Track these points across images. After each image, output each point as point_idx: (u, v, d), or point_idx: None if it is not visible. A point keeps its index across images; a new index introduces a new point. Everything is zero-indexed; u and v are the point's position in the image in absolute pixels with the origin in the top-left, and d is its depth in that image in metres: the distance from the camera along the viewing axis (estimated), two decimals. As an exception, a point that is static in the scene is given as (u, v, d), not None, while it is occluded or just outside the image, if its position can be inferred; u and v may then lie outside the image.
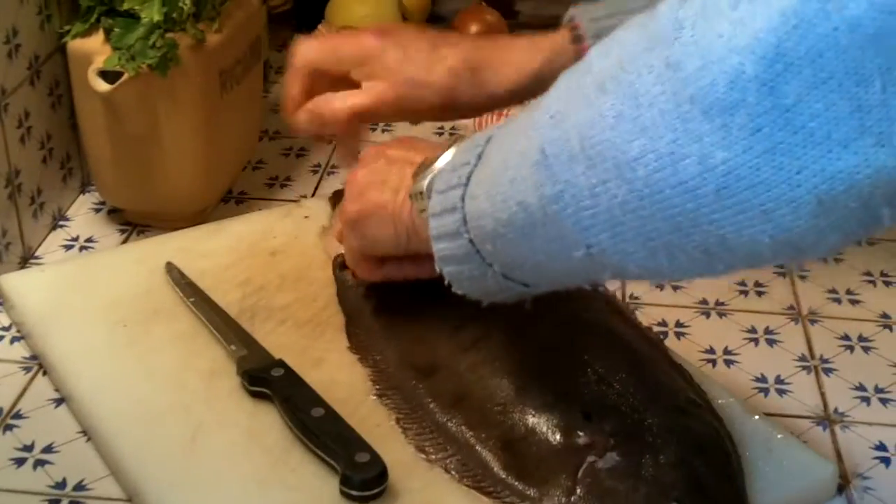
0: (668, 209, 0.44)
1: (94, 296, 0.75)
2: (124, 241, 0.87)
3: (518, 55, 0.74)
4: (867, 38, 0.38)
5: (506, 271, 0.55)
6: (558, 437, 0.60)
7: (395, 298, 0.71)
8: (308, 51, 0.75)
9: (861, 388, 0.73)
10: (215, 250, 0.80)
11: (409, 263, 0.67)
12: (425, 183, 0.58)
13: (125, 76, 0.79)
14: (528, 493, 0.59)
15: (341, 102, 0.73)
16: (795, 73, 0.39)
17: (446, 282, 0.58)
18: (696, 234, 0.44)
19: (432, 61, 0.73)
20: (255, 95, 0.97)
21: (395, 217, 0.63)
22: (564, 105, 0.48)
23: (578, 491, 0.58)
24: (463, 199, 0.55)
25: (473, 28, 1.19)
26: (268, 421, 0.65)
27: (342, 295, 0.75)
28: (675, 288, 0.82)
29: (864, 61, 0.38)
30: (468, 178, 0.55)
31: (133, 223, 0.89)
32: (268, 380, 0.66)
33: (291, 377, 0.67)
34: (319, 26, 1.14)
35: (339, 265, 0.75)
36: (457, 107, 0.74)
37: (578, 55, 0.70)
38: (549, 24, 1.22)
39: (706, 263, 0.46)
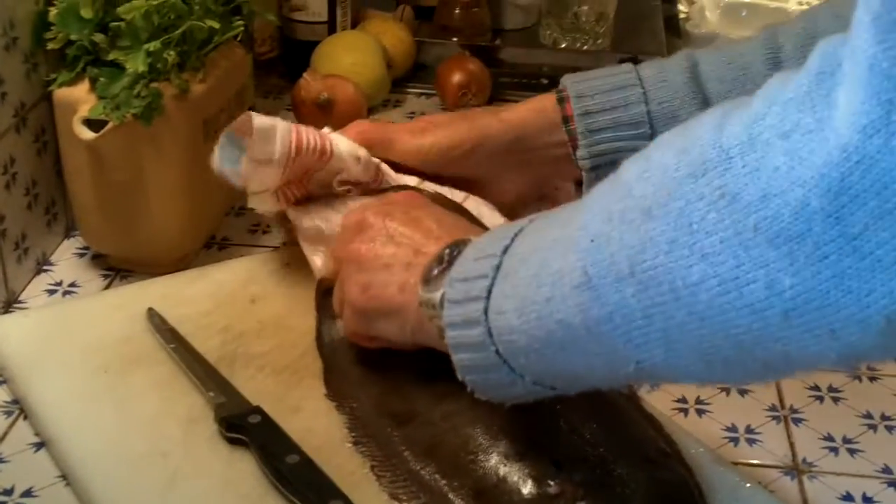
0: (732, 329, 0.45)
1: (76, 341, 0.77)
2: (107, 286, 0.89)
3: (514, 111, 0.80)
4: None
5: (537, 380, 0.56)
6: (529, 486, 0.62)
7: (373, 348, 0.72)
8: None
9: (829, 438, 0.74)
10: (196, 297, 0.82)
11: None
12: (438, 295, 0.59)
13: (110, 125, 0.81)
14: (499, 541, 0.60)
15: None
16: (861, 204, 0.40)
17: (469, 388, 0.59)
18: (760, 351, 0.45)
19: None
20: (239, 143, 0.98)
21: (402, 314, 0.64)
22: (606, 228, 0.49)
23: (548, 539, 0.59)
24: (486, 313, 0.55)
25: (456, 77, 1.21)
26: (244, 468, 0.66)
27: (321, 343, 0.76)
28: (649, 337, 0.83)
29: None
30: (488, 292, 0.55)
31: (116, 268, 0.91)
32: (245, 427, 0.68)
33: (268, 424, 0.68)
34: (305, 74, 1.16)
35: (321, 304, 0.76)
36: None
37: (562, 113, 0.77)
38: (532, 72, 1.26)
39: (763, 374, 0.48)
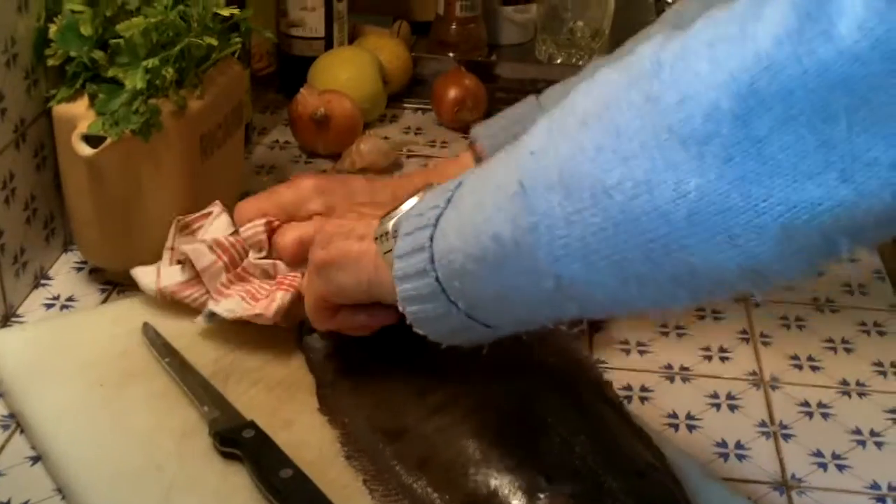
0: (642, 235, 0.47)
1: (72, 355, 0.78)
2: (105, 300, 0.90)
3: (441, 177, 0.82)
4: (834, 81, 0.41)
5: (470, 310, 0.58)
6: (519, 498, 0.62)
7: (364, 362, 0.73)
8: (247, 211, 0.82)
9: (819, 454, 0.75)
10: (192, 312, 0.82)
11: (363, 312, 0.69)
12: (390, 224, 0.62)
13: (108, 141, 0.82)
14: (489, 554, 0.61)
15: (289, 233, 0.80)
16: (767, 108, 0.42)
17: (408, 321, 0.61)
18: (668, 262, 0.47)
19: (375, 190, 0.81)
20: (236, 158, 1.00)
21: (359, 263, 0.66)
22: (546, 142, 0.51)
23: (538, 552, 0.60)
24: (431, 239, 0.58)
25: (452, 92, 1.22)
26: (238, 482, 0.67)
27: (310, 359, 0.77)
28: (642, 353, 0.84)
29: (831, 101, 0.41)
30: (437, 220, 0.58)
31: (114, 282, 0.92)
32: (238, 441, 0.69)
33: (262, 438, 0.69)
34: (301, 89, 1.18)
35: (306, 330, 0.78)
36: None
37: None
38: (528, 87, 1.27)
39: (673, 291, 0.49)
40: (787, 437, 0.76)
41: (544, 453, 0.65)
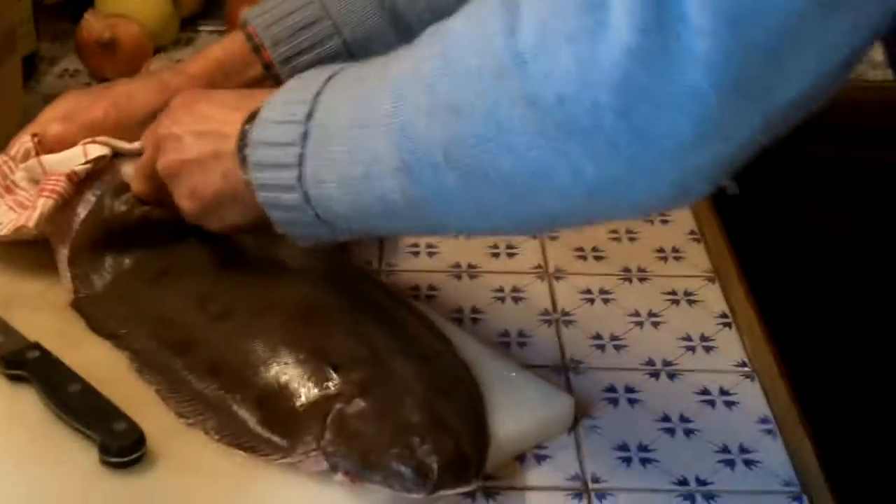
0: (542, 208, 0.55)
1: None
2: None
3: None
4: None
5: (357, 233, 0.65)
6: (309, 389, 0.67)
7: (132, 272, 0.77)
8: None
9: (598, 336, 0.82)
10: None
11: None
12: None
13: None
14: (282, 443, 0.65)
15: None
16: (645, 97, 0.48)
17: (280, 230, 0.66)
18: (564, 222, 0.59)
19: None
20: (12, 87, 1.00)
21: (237, 200, 0.67)
22: (416, 119, 0.56)
23: (327, 436, 0.64)
24: (300, 180, 0.61)
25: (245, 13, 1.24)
26: (28, 402, 0.69)
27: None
28: (431, 254, 0.90)
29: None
30: (300, 158, 0.61)
31: None
32: (23, 362, 0.71)
33: (48, 358, 0.71)
34: (86, 14, 1.17)
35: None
36: None
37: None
38: None
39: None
40: (567, 323, 0.83)
41: (331, 345, 0.69)
